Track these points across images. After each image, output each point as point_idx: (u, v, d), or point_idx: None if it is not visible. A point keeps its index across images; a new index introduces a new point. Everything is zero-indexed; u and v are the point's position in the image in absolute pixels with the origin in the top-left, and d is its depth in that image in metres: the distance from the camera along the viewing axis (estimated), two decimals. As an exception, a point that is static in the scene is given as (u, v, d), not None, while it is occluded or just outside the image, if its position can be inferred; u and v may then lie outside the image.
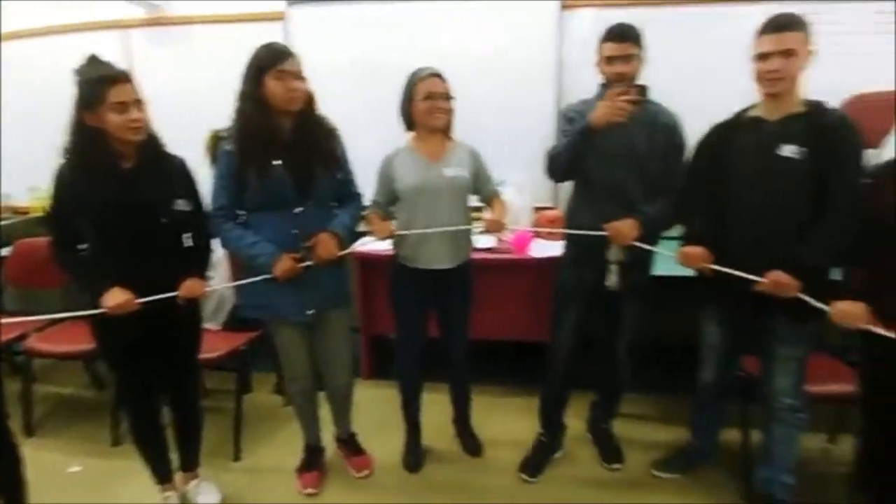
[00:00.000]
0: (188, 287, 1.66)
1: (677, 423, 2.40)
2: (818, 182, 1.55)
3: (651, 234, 1.87)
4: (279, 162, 1.68)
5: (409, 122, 1.92)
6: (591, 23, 2.82)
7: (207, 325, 2.29)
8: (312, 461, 2.11)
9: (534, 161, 2.76)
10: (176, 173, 1.69)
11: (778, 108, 1.60)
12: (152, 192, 1.60)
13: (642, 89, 1.87)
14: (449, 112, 1.89)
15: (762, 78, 1.58)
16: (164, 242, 1.64)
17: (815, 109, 1.59)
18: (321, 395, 2.08)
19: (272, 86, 1.62)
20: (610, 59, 1.80)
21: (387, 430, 2.34)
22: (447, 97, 1.87)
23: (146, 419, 1.84)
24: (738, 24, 2.76)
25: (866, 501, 1.66)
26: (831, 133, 1.54)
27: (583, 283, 1.97)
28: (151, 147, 1.62)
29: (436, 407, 2.29)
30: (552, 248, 2.60)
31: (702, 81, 2.64)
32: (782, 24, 1.52)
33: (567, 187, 2.40)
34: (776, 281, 1.56)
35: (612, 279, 1.89)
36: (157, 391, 1.84)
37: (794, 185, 1.58)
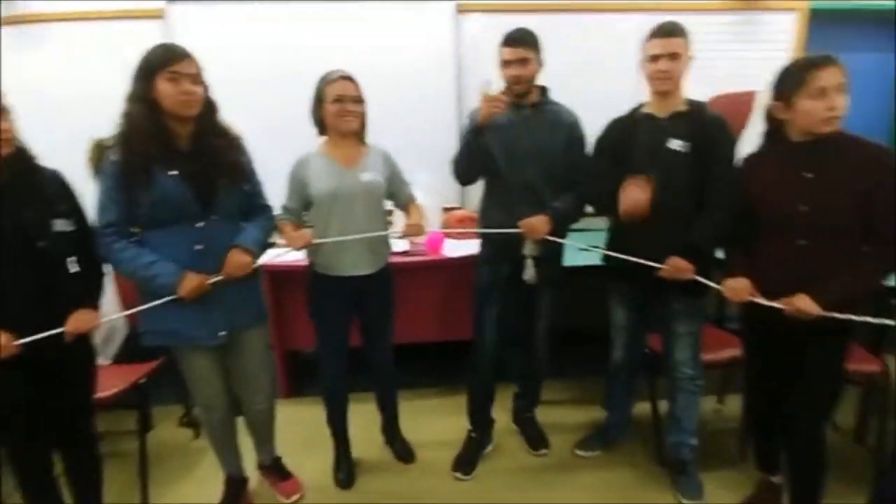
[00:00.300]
0: (78, 320, 1.46)
1: (592, 403, 2.57)
2: (701, 173, 1.74)
3: (561, 227, 1.98)
4: (175, 172, 1.53)
5: (321, 125, 1.85)
6: (485, 27, 2.94)
7: (98, 361, 2.03)
8: (236, 494, 1.95)
9: (439, 162, 2.80)
10: (52, 189, 1.48)
11: (665, 106, 1.77)
12: (25, 213, 1.38)
13: (543, 90, 1.98)
14: (360, 116, 1.85)
15: (653, 77, 1.74)
16: (45, 270, 1.43)
17: (696, 108, 1.78)
18: (239, 421, 1.94)
19: (164, 88, 1.46)
20: (507, 63, 1.87)
21: (313, 448, 2.24)
22: (357, 100, 1.83)
23: (37, 473, 1.58)
24: (613, 30, 3.07)
25: (756, 452, 1.90)
26: (711, 130, 1.74)
27: (500, 278, 2.03)
28: (20, 161, 1.41)
29: (361, 417, 2.24)
30: (465, 247, 2.66)
31: (584, 82, 2.81)
32: (669, 31, 1.69)
33: (473, 187, 2.49)
34: (675, 266, 1.73)
35: (528, 273, 1.97)
36: (47, 440, 1.59)
37: (682, 177, 1.76)
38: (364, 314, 2.03)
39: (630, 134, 1.84)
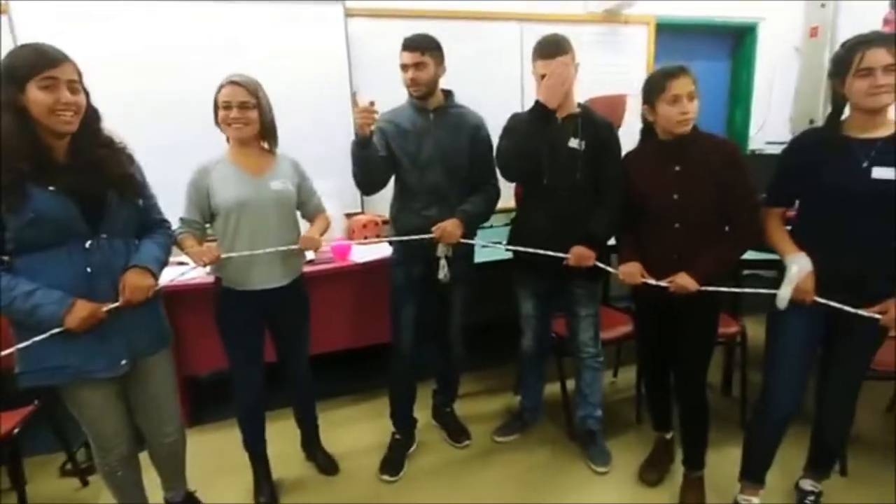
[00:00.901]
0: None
1: (505, 391, 2.72)
2: (594, 170, 1.93)
3: (472, 228, 2.07)
4: (53, 188, 1.36)
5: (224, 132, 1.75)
6: (372, 31, 2.96)
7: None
8: (145, 539, 1.77)
9: (337, 167, 2.76)
10: None
11: (561, 110, 1.92)
12: None
13: (447, 94, 2.06)
14: (250, 122, 1.73)
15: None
16: None
17: (586, 111, 1.96)
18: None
19: (36, 96, 1.30)
20: (405, 67, 1.92)
21: (228, 475, 2.11)
22: (246, 106, 1.71)
23: None
24: (492, 36, 3.25)
25: (651, 413, 2.13)
26: (602, 132, 1.93)
27: (415, 279, 2.07)
28: None
29: (277, 434, 2.14)
30: (373, 252, 2.66)
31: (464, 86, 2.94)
32: (552, 52, 1.83)
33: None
34: (579, 254, 1.89)
35: (442, 272, 2.02)
36: None
37: (580, 172, 1.93)
38: (278, 328, 1.95)
39: (538, 135, 1.95)
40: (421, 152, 1.97)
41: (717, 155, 1.69)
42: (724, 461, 1.95)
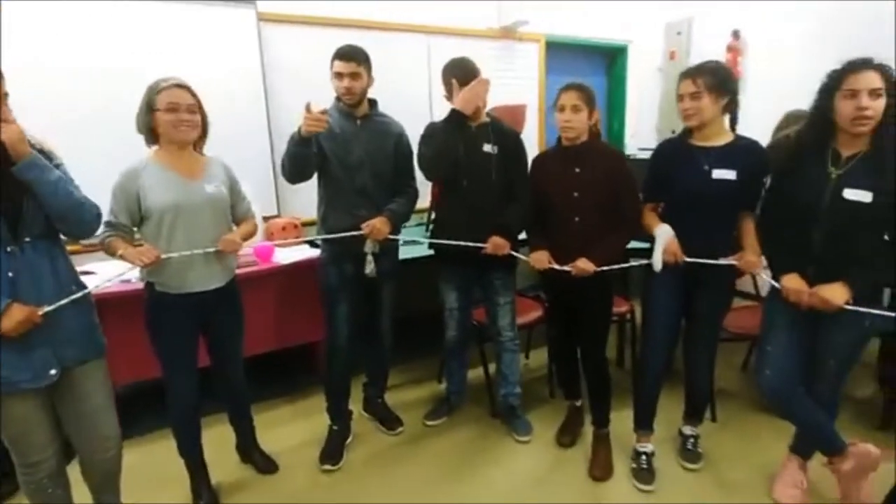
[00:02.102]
0: None
1: (431, 379, 2.90)
2: (507, 171, 2.18)
3: (398, 226, 2.23)
4: None
5: (152, 135, 1.74)
6: (286, 37, 3.00)
7: None
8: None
9: (252, 170, 2.80)
10: None
11: (476, 118, 2.15)
12: None
13: (372, 103, 2.20)
14: (197, 125, 1.77)
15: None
16: None
17: (495, 120, 2.21)
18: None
19: None
20: (340, 76, 2.04)
21: (163, 486, 2.07)
22: (193, 109, 1.74)
23: None
24: (399, 47, 3.42)
25: (562, 385, 2.43)
26: (510, 137, 2.20)
27: (348, 277, 2.18)
28: None
29: (211, 440, 2.11)
30: (295, 253, 2.72)
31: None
32: (470, 76, 2.07)
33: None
34: (496, 243, 2.13)
35: (369, 267, 2.16)
36: None
37: (495, 174, 2.17)
38: (214, 330, 1.96)
39: (456, 141, 2.16)
40: (350, 155, 2.09)
41: (609, 160, 2.03)
42: (622, 421, 2.27)
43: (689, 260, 1.86)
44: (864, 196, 1.58)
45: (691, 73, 1.82)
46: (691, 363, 2.10)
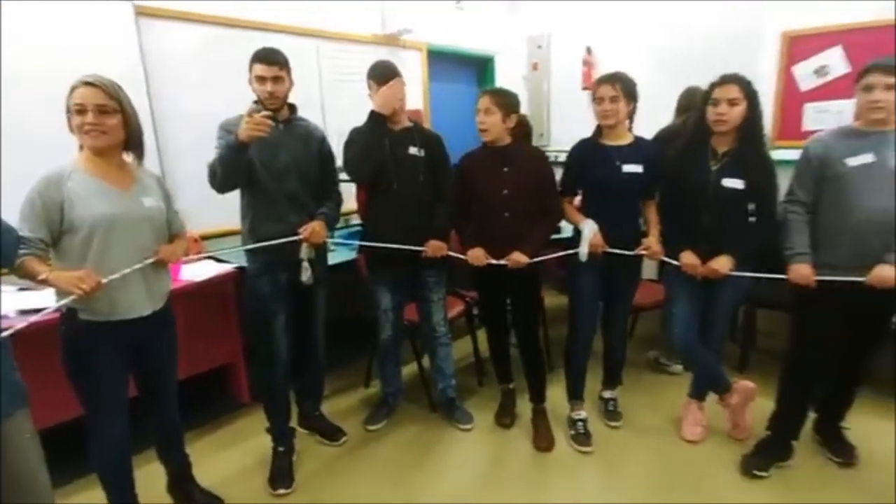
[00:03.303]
0: None
1: (359, 385, 2.87)
2: (433, 173, 2.28)
3: (331, 230, 2.20)
4: None
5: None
6: (166, 31, 2.73)
7: None
8: None
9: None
10: None
11: (397, 122, 2.22)
12: None
13: (292, 107, 2.13)
14: (111, 129, 1.52)
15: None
16: None
17: (417, 124, 2.31)
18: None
19: None
20: (262, 80, 1.95)
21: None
22: (106, 110, 1.50)
23: None
24: (290, 50, 3.28)
25: (496, 369, 2.60)
26: (433, 140, 2.31)
27: (280, 286, 2.09)
28: None
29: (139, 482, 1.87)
30: (202, 269, 2.50)
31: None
32: (390, 76, 2.14)
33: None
34: (434, 246, 2.22)
35: (305, 274, 2.08)
36: None
37: (422, 175, 2.25)
38: (147, 360, 1.74)
39: (382, 144, 2.19)
40: (276, 161, 2.01)
41: (534, 160, 2.25)
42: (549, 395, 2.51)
43: (609, 251, 2.14)
44: (738, 184, 1.99)
45: (610, 80, 2.09)
46: (609, 336, 2.40)
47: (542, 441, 2.33)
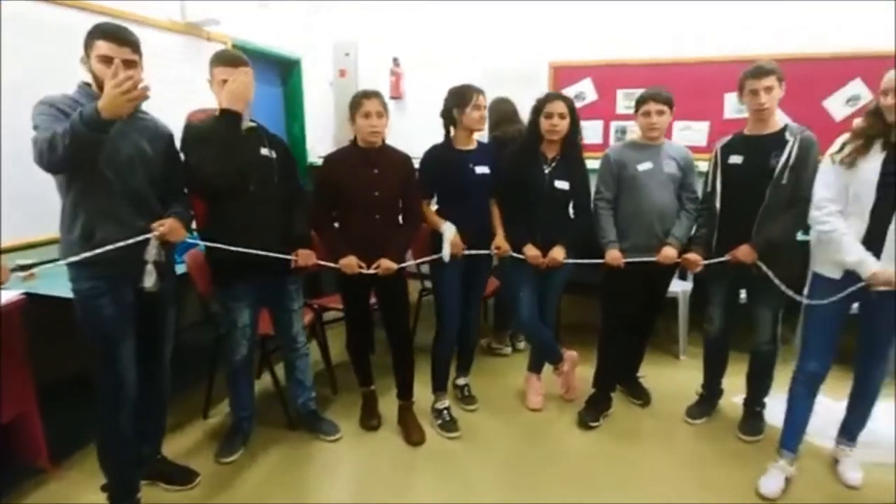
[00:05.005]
0: None
1: (196, 416, 2.52)
2: (283, 175, 2.17)
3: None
4: None
5: None
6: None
7: None
8: None
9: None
10: None
11: (244, 122, 2.05)
12: None
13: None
14: None
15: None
16: None
17: (260, 125, 2.17)
18: None
19: None
20: (107, 60, 1.61)
21: None
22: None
23: None
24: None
25: (358, 374, 2.57)
26: (278, 140, 2.22)
27: (126, 304, 1.77)
28: None
29: None
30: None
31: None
32: (236, 61, 1.99)
33: None
34: (304, 254, 2.17)
35: (149, 280, 1.75)
36: None
37: (276, 177, 2.13)
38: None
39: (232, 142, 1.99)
40: (119, 154, 1.70)
41: (400, 163, 2.32)
42: (419, 390, 2.59)
43: (467, 252, 2.33)
44: (565, 185, 2.39)
45: (562, 97, 2.35)
46: (465, 324, 2.59)
47: (414, 435, 2.40)
